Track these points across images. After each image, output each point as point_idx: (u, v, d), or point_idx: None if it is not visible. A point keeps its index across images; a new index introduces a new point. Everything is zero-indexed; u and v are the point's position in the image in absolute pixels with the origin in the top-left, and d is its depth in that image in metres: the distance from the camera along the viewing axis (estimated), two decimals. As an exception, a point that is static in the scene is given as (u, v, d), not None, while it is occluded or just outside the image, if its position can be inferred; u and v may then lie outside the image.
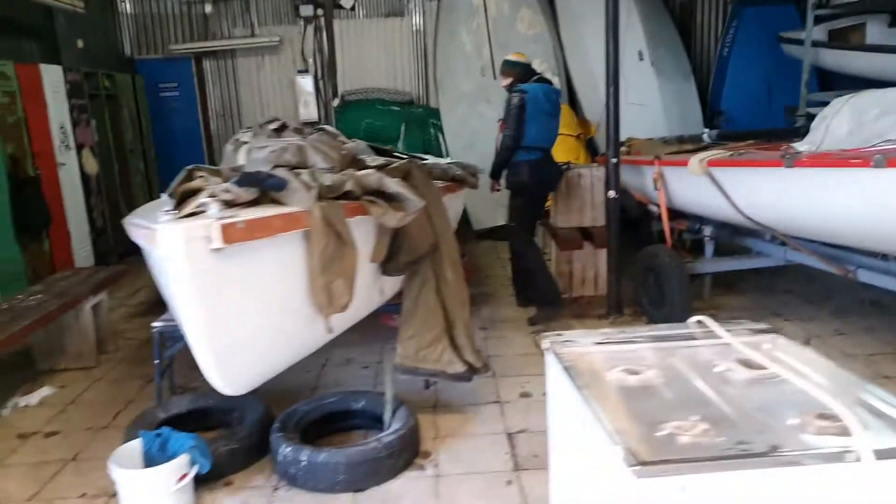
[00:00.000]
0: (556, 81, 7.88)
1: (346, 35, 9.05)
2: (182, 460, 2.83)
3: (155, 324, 3.74)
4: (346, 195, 2.52)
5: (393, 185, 2.66)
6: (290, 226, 2.16)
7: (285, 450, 3.04)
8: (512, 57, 5.11)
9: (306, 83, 9.05)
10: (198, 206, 2.06)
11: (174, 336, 3.76)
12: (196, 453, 2.87)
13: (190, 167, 2.69)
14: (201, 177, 2.60)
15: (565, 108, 6.75)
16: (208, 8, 8.82)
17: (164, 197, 4.02)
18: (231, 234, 1.94)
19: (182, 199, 2.54)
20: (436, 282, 3.17)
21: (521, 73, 4.99)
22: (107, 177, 7.29)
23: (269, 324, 2.16)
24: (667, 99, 8.08)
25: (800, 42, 8.20)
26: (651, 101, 7.90)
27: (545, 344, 1.85)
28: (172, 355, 3.79)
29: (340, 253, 2.38)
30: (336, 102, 9.13)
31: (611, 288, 5.09)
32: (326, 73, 9.14)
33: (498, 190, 5.11)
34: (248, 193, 2.24)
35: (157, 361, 3.77)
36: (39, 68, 6.13)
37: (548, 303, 5.02)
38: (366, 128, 8.55)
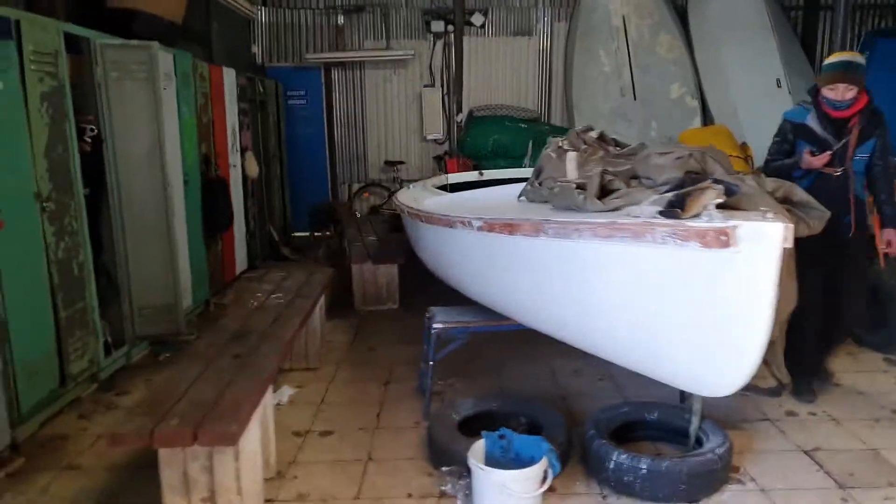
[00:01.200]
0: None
1: (473, 52, 9.14)
2: (543, 464, 2.80)
3: (435, 325, 3.75)
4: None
5: (800, 192, 2.64)
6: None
7: (620, 457, 3.00)
8: (861, 60, 3.58)
9: (433, 97, 9.14)
10: (703, 208, 2.05)
11: (451, 337, 3.79)
12: (553, 457, 2.84)
13: (599, 170, 2.69)
14: (610, 180, 2.60)
15: (726, 130, 6.76)
16: (341, 19, 8.92)
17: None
18: (789, 237, 1.93)
19: (602, 194, 2.56)
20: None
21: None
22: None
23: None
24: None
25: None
26: (786, 128, 7.92)
27: None
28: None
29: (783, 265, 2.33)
30: (460, 118, 9.21)
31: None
32: (453, 89, 9.23)
33: None
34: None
35: (431, 362, 3.77)
36: (223, 71, 6.16)
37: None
38: (493, 143, 8.60)
